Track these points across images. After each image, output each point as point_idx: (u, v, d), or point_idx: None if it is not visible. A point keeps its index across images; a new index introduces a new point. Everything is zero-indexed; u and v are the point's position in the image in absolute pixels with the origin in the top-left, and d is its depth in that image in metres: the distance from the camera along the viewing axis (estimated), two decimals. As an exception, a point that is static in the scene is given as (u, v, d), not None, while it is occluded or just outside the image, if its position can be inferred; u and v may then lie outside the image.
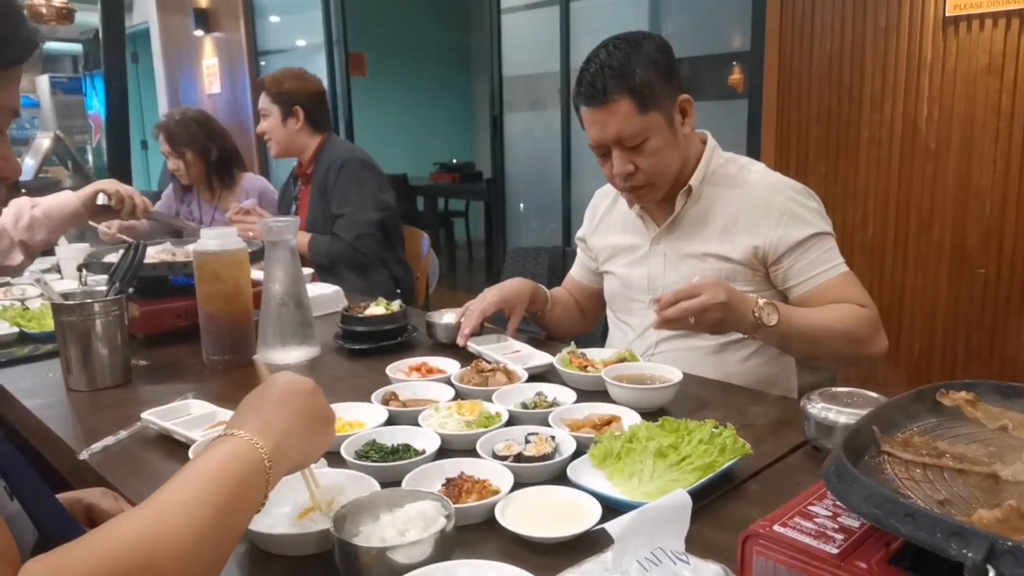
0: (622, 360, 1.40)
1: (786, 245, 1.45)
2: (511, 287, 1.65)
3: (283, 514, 0.88)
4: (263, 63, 6.91)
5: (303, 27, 6.66)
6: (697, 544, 0.75)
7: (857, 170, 2.98)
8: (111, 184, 1.84)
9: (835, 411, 1.04)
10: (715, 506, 0.93)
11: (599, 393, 1.28)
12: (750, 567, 0.68)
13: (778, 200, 1.47)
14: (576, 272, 1.84)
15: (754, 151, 3.32)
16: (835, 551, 0.63)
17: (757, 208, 1.47)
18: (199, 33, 7.27)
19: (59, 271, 2.28)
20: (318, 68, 6.07)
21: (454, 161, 7.22)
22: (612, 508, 0.86)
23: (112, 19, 5.25)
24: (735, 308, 1.29)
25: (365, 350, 1.59)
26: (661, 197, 1.53)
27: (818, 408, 1.06)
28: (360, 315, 1.65)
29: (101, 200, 1.80)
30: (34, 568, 0.55)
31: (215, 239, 1.51)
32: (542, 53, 4.67)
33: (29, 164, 6.80)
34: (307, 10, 6.39)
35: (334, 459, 1.03)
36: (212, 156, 2.93)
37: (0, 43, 0.71)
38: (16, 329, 1.69)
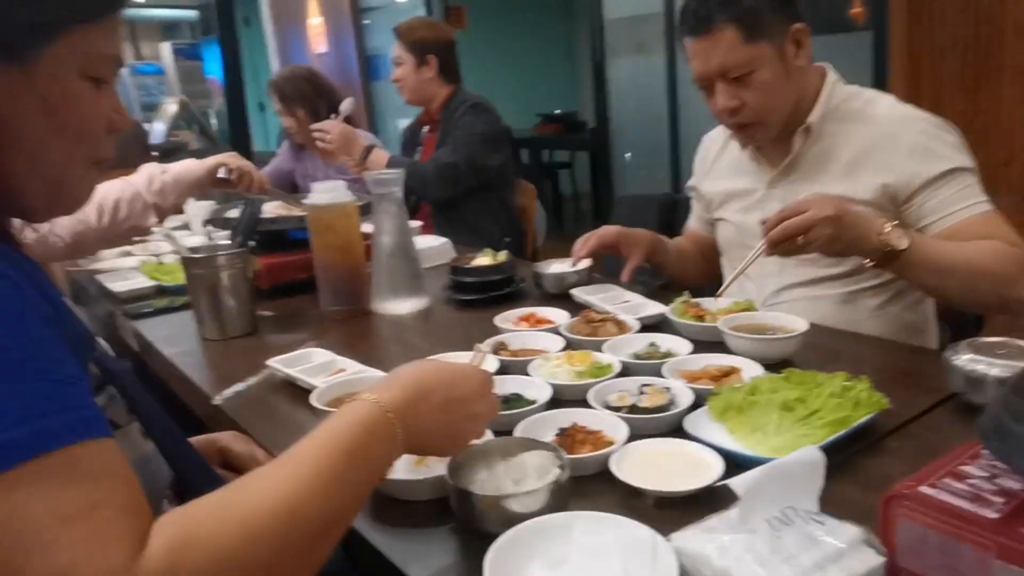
0: (741, 310, 1.33)
1: (920, 180, 1.32)
2: (632, 230, 1.60)
3: (401, 460, 0.89)
4: (366, 21, 6.99)
5: (404, -19, 6.67)
6: (833, 503, 0.70)
7: (1000, 104, 2.69)
8: (234, 159, 1.91)
9: (986, 363, 0.94)
10: (852, 463, 0.86)
11: (715, 344, 1.22)
12: (893, 530, 0.63)
13: (910, 133, 1.33)
14: (693, 223, 1.77)
15: (880, 88, 3.07)
16: (995, 515, 0.57)
17: (886, 143, 1.35)
18: (305, -7, 7.42)
19: (188, 227, 2.41)
20: (418, 22, 6.07)
21: (557, 112, 7.10)
22: (736, 463, 0.82)
23: (224, -16, 5.44)
24: (851, 225, 1.17)
25: (474, 300, 1.60)
26: (773, 136, 1.44)
27: (964, 360, 0.96)
28: (468, 266, 1.66)
29: (222, 173, 1.88)
30: (167, 528, 0.55)
31: (325, 192, 1.54)
32: (644, -9, 4.47)
33: (159, 128, 7.22)
34: (408, -36, 6.39)
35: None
36: (322, 113, 2.99)
37: None
38: (153, 283, 1.80)
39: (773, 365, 1.10)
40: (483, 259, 1.68)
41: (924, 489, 0.62)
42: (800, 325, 1.19)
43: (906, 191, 1.33)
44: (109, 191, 1.70)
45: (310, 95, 2.98)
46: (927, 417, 0.97)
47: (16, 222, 0.76)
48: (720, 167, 1.62)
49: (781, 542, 0.62)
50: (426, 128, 2.80)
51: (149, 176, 1.74)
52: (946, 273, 1.23)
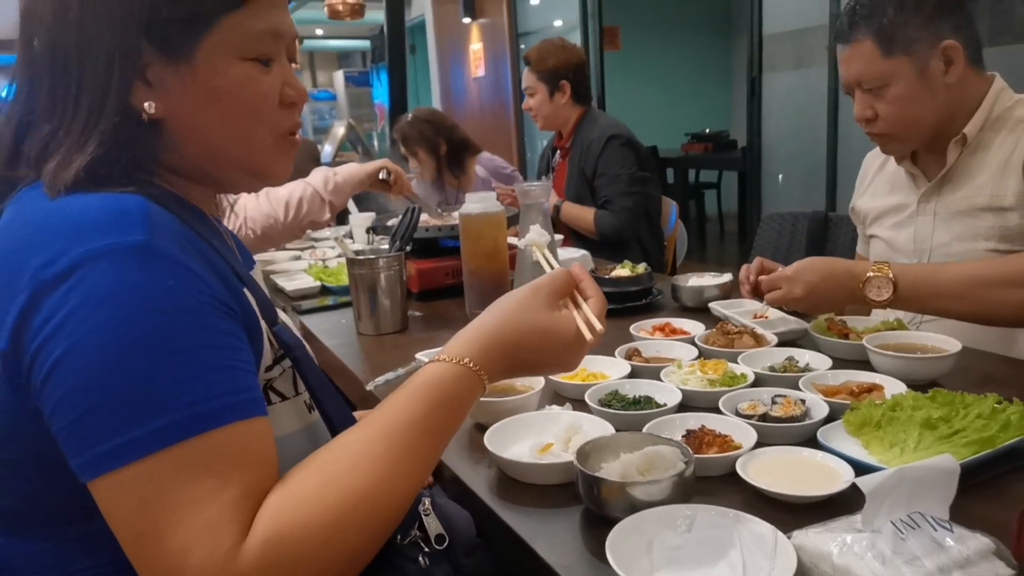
0: (889, 329, 1.28)
1: None
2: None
3: (526, 447, 0.96)
4: (523, 45, 7.24)
5: (560, 6, 6.84)
6: (966, 517, 0.68)
7: None
8: (392, 164, 2.12)
9: None
10: (995, 484, 0.83)
11: (859, 363, 1.19)
12: (1029, 545, 0.61)
13: None
14: (860, 247, 1.72)
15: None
16: None
17: None
18: (467, 20, 7.80)
19: (351, 236, 2.63)
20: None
21: (707, 131, 6.98)
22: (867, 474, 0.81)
23: (394, 14, 5.86)
24: (822, 293, 1.28)
25: (610, 310, 1.62)
26: (908, 150, 1.43)
27: None
28: (606, 276, 1.70)
29: (382, 175, 2.08)
30: (267, 514, 0.59)
31: (477, 203, 1.64)
32: (807, 3, 4.32)
33: (328, 150, 7.83)
34: (565, -10, 6.55)
35: (578, 405, 1.09)
36: (441, 150, 3.16)
37: None
38: (318, 283, 1.99)
39: (920, 386, 1.06)
40: (621, 270, 1.72)
41: (1067, 505, 0.60)
42: (952, 346, 1.14)
43: None
44: (293, 190, 1.93)
45: (430, 135, 3.16)
46: (1090, 446, 0.90)
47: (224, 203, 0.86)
48: (877, 184, 1.59)
49: (905, 544, 0.62)
50: (557, 154, 2.83)
51: (324, 177, 1.96)
52: (955, 298, 1.23)
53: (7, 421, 0.64)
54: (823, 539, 0.66)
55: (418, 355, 1.34)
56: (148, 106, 0.69)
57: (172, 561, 0.56)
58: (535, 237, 1.11)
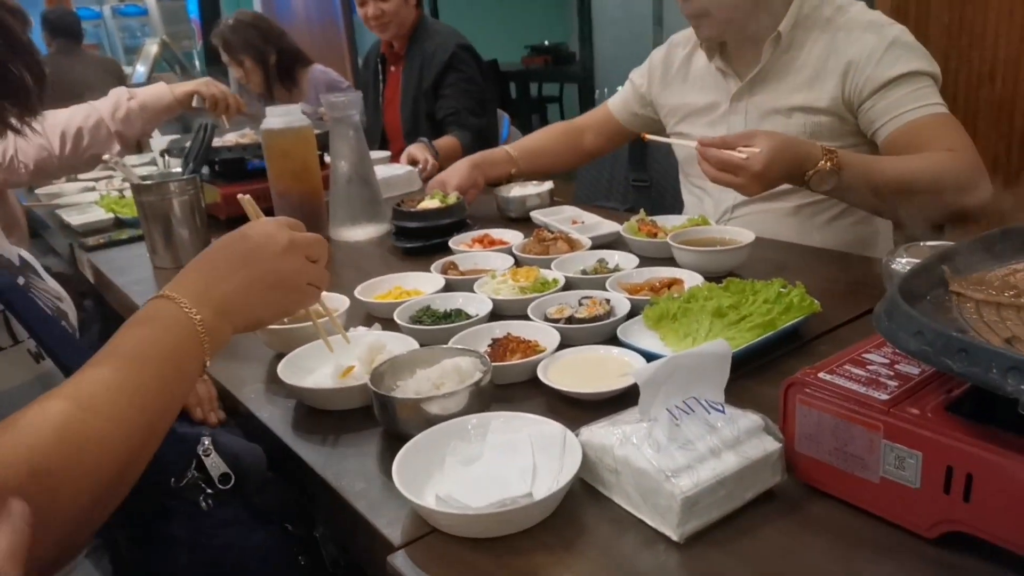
0: (694, 226, 1.32)
1: (875, 83, 1.28)
2: (444, 173, 1.65)
3: (326, 374, 0.90)
4: (349, -48, 6.77)
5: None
6: (745, 399, 0.71)
7: (987, 14, 2.61)
8: (207, 87, 1.85)
9: (920, 265, 0.93)
10: (777, 364, 0.87)
11: (667, 260, 1.22)
12: (792, 417, 0.63)
13: (873, 38, 1.29)
14: (615, 105, 1.73)
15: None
16: (885, 397, 0.57)
17: (848, 48, 1.31)
18: (285, -76, 7.16)
19: (155, 163, 2.38)
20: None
21: (546, 43, 6.93)
22: (658, 365, 0.82)
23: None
24: (774, 179, 1.13)
25: (420, 248, 1.43)
26: (721, 37, 1.41)
27: (902, 264, 0.95)
28: (413, 209, 1.48)
29: (196, 103, 1.84)
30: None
31: (280, 116, 1.51)
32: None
33: (140, 70, 7.09)
34: None
35: (388, 324, 1.04)
36: (271, 60, 2.89)
37: None
38: (111, 215, 1.78)
39: (718, 278, 1.09)
40: (431, 202, 1.51)
41: (822, 375, 0.62)
42: (746, 237, 1.19)
43: (860, 95, 1.30)
44: (72, 118, 1.66)
45: (257, 42, 2.87)
46: (860, 321, 0.96)
47: None
48: (684, 79, 1.57)
49: (680, 430, 0.62)
50: (386, 64, 2.63)
51: (116, 103, 1.70)
52: (884, 191, 1.20)
53: None
54: (607, 433, 0.65)
55: None
56: None
57: None
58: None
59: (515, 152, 1.73)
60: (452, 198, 1.51)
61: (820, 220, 1.40)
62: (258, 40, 2.88)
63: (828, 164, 1.14)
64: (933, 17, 2.74)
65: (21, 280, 0.73)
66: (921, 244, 0.99)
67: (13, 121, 0.71)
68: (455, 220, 1.48)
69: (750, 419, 0.64)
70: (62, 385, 0.58)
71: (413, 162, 2.05)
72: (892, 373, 0.61)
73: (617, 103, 1.73)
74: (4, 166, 1.58)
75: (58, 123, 1.65)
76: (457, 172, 1.63)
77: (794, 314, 0.92)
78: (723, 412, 0.64)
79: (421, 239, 1.45)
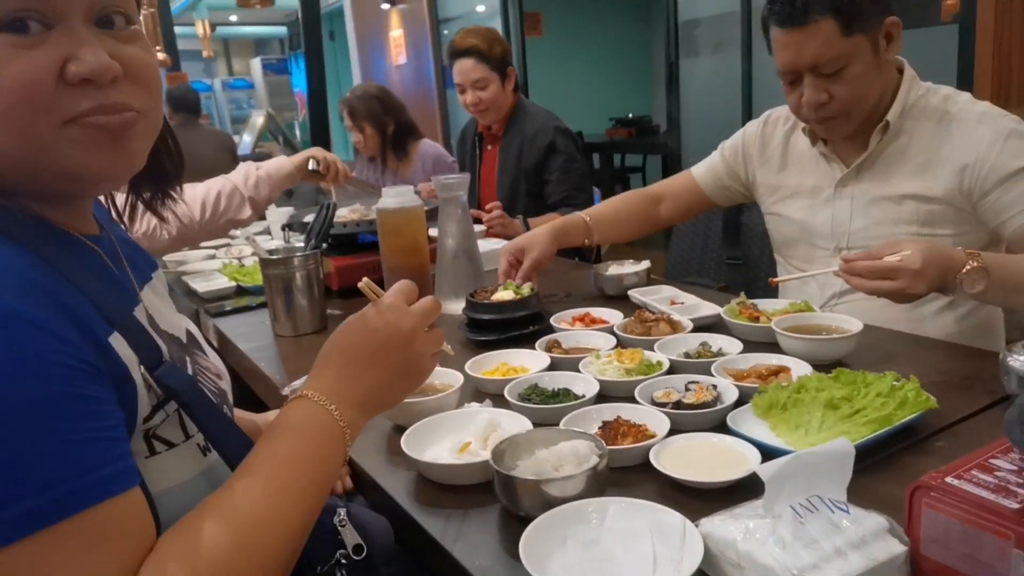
0: (797, 311, 1.33)
1: (998, 174, 1.28)
2: (526, 239, 1.65)
3: (444, 448, 0.95)
4: (444, 31, 7.16)
5: (480, -8, 6.79)
6: (865, 496, 0.71)
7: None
8: (320, 152, 2.06)
9: (1042, 364, 0.92)
10: (893, 461, 0.87)
11: (769, 345, 1.23)
12: (918, 521, 0.64)
13: (989, 130, 1.30)
14: (701, 174, 1.74)
15: (966, 84, 2.94)
16: (1016, 506, 0.58)
17: (964, 139, 1.32)
18: (386, 6, 7.67)
19: (269, 232, 2.56)
20: (494, 30, 6.19)
21: (630, 115, 7.08)
22: (773, 457, 0.83)
23: (309, 1, 5.69)
24: (932, 281, 1.12)
25: (493, 341, 1.37)
26: (853, 131, 1.41)
27: (1020, 361, 0.94)
28: (485, 301, 1.45)
29: (311, 165, 2.03)
30: (147, 565, 0.57)
31: (394, 197, 1.61)
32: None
33: (247, 140, 7.60)
34: (484, -25, 6.50)
35: (498, 400, 1.09)
36: (388, 129, 3.12)
37: None
38: (233, 283, 1.93)
39: (826, 367, 1.10)
40: (504, 293, 1.47)
41: (950, 480, 0.63)
42: (855, 326, 1.19)
43: (982, 186, 1.30)
44: (211, 187, 1.85)
45: (378, 112, 3.12)
46: (977, 418, 0.95)
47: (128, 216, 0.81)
48: (783, 158, 1.59)
49: (804, 528, 0.64)
50: (484, 143, 2.74)
51: (246, 172, 1.90)
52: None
53: None
54: (728, 526, 0.67)
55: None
56: None
57: None
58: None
59: (590, 219, 1.74)
60: (526, 289, 1.48)
61: (929, 309, 1.38)
62: (380, 110, 3.13)
63: (976, 263, 1.13)
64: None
65: (188, 362, 0.78)
66: (1040, 341, 0.97)
67: (157, 205, 0.81)
68: (529, 313, 1.43)
69: (875, 520, 0.65)
70: (219, 500, 0.63)
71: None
72: (1021, 481, 0.61)
73: (704, 173, 1.74)
74: (148, 233, 1.74)
75: (197, 193, 1.84)
76: (539, 243, 1.63)
77: (910, 410, 0.91)
78: (847, 512, 0.65)
79: (495, 332, 1.39)
